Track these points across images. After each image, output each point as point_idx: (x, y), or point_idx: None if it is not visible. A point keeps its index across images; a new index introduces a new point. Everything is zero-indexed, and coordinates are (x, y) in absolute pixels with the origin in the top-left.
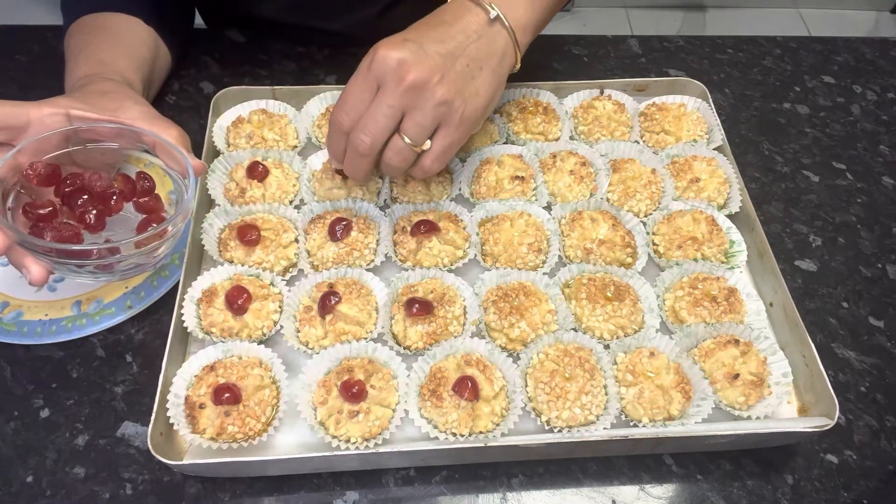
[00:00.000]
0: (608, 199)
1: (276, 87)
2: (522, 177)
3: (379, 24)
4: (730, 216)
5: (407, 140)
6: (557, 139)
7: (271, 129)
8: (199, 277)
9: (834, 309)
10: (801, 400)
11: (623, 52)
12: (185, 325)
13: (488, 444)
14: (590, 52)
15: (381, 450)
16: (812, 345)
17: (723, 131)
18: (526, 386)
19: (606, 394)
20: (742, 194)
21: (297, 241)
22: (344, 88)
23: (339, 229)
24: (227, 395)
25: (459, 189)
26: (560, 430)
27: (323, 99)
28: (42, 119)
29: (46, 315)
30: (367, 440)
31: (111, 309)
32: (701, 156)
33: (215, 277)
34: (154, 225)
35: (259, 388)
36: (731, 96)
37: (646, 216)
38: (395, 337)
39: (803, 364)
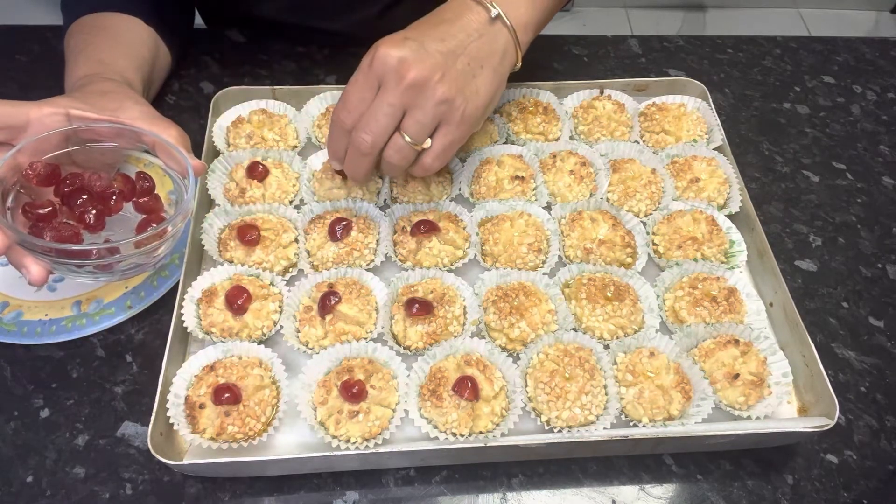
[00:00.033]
0: (608, 199)
1: (276, 87)
2: (522, 177)
3: (379, 24)
4: (730, 216)
5: (407, 139)
6: (557, 139)
7: (271, 129)
8: (199, 277)
9: (834, 309)
10: (801, 400)
11: (623, 52)
12: (185, 325)
13: (488, 444)
14: (590, 52)
15: (381, 450)
16: (812, 345)
17: (723, 131)
18: (526, 386)
19: (606, 394)
20: (742, 194)
21: (297, 241)
22: (345, 87)
23: (339, 229)
24: (227, 395)
25: (459, 189)
26: (560, 430)
27: (323, 99)
28: (42, 119)
29: (46, 315)
30: (367, 440)
31: (111, 309)
32: (701, 156)
33: (215, 277)
34: (154, 225)
35: (259, 388)
36: (731, 96)
37: (646, 216)
38: (395, 337)
39: (803, 364)
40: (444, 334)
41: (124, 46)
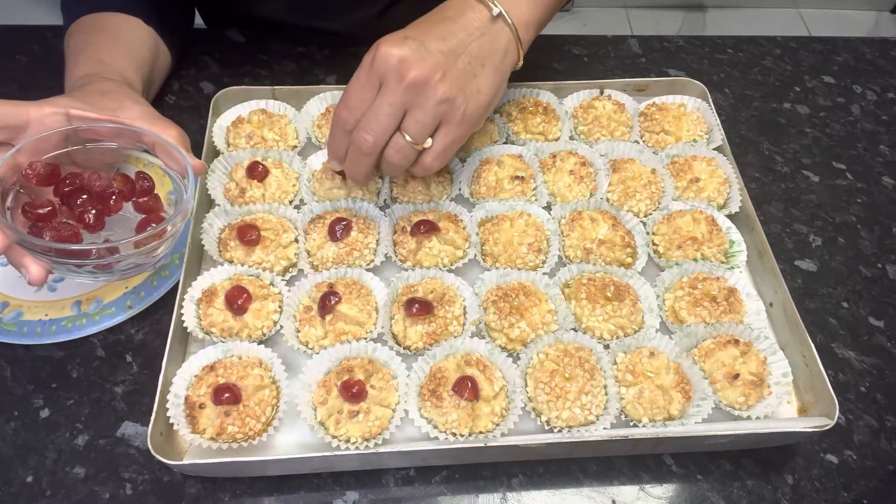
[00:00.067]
0: (608, 199)
1: (276, 87)
2: (522, 177)
3: (379, 23)
4: (730, 216)
5: (408, 138)
6: (557, 139)
7: (271, 129)
8: (199, 277)
9: (834, 309)
10: (801, 400)
11: (623, 52)
12: (185, 325)
13: (488, 444)
14: (590, 52)
15: (381, 450)
16: (812, 345)
17: (723, 131)
18: (526, 386)
19: (606, 394)
20: (742, 194)
21: (296, 241)
22: (346, 87)
23: (339, 229)
24: (227, 395)
25: (459, 189)
26: (560, 430)
27: (323, 99)
28: (41, 118)
29: (46, 315)
30: (367, 440)
31: (111, 309)
32: (701, 156)
33: (215, 277)
34: (153, 225)
35: (259, 388)
36: (731, 96)
37: (646, 216)
38: (395, 337)
39: (803, 364)
40: (444, 334)
41: (124, 46)
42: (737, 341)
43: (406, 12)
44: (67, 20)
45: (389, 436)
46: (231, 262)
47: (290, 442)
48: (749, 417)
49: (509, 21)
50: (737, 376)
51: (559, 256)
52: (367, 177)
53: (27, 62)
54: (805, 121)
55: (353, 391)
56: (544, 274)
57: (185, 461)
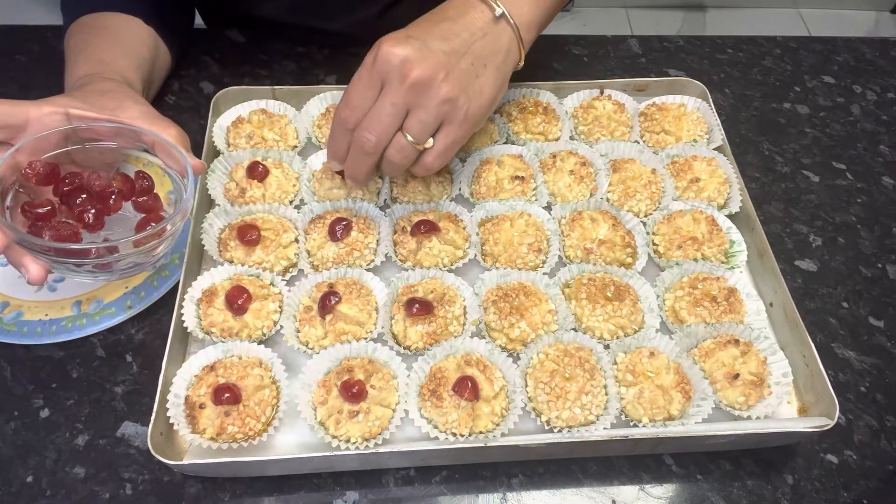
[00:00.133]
0: (608, 199)
1: (276, 87)
2: (522, 177)
3: (379, 23)
4: (730, 216)
5: (410, 138)
6: (557, 139)
7: (271, 129)
8: (199, 277)
9: (834, 309)
10: (801, 400)
11: (623, 52)
12: (185, 325)
13: (488, 444)
14: (590, 52)
15: (381, 450)
16: (812, 345)
17: (723, 131)
18: (526, 386)
19: (606, 394)
20: (742, 194)
21: (297, 241)
22: (348, 86)
23: (339, 229)
24: (227, 395)
25: (459, 189)
26: (560, 430)
27: (323, 99)
28: (41, 118)
29: (46, 315)
30: (367, 440)
31: (111, 309)
32: (701, 156)
33: (215, 277)
34: (153, 224)
35: (259, 388)
36: (731, 96)
37: (646, 216)
38: (395, 337)
39: (803, 364)
40: (444, 334)
41: (124, 46)
42: (737, 341)
43: (406, 12)
44: (67, 20)
45: (389, 436)
46: (231, 262)
47: (290, 442)
48: (749, 417)
49: (511, 21)
50: (737, 376)
51: (559, 256)
52: (367, 177)
53: (27, 62)
54: (805, 121)
55: (353, 391)
56: (544, 274)
57: (185, 461)
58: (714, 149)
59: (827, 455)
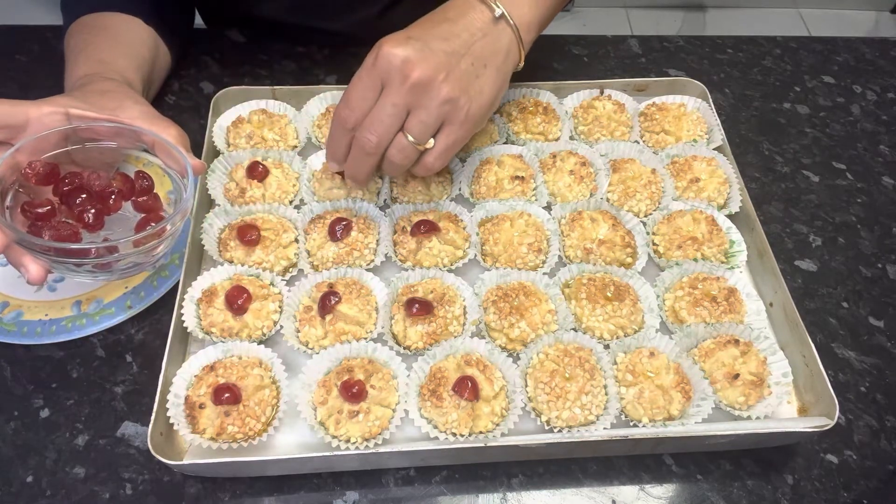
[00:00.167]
0: (608, 199)
1: (276, 87)
2: (522, 177)
3: (379, 24)
4: (730, 216)
5: (411, 139)
6: (557, 139)
7: (271, 129)
8: (199, 277)
9: (834, 309)
10: (801, 400)
11: (623, 52)
12: (185, 325)
13: (488, 444)
14: (590, 52)
15: (381, 450)
16: (812, 345)
17: (723, 131)
18: (526, 386)
19: (606, 394)
20: (742, 194)
21: (297, 241)
22: (348, 86)
23: (339, 229)
24: (227, 395)
25: (459, 189)
26: (560, 430)
27: (323, 99)
28: (41, 118)
29: (46, 315)
30: (367, 440)
31: (111, 309)
32: (701, 156)
33: (215, 277)
34: (152, 224)
35: (259, 388)
36: (731, 96)
37: (646, 216)
38: (395, 337)
39: (803, 364)
40: (444, 334)
41: (124, 46)
42: (737, 341)
43: (406, 12)
44: (67, 20)
45: (389, 436)
46: (231, 262)
47: (290, 442)
48: (749, 417)
49: (511, 22)
50: (737, 376)
51: (559, 256)
52: (368, 177)
53: (27, 62)
54: (805, 121)
55: (353, 391)
56: (544, 274)
57: (185, 461)
58: (714, 149)
59: (827, 455)
